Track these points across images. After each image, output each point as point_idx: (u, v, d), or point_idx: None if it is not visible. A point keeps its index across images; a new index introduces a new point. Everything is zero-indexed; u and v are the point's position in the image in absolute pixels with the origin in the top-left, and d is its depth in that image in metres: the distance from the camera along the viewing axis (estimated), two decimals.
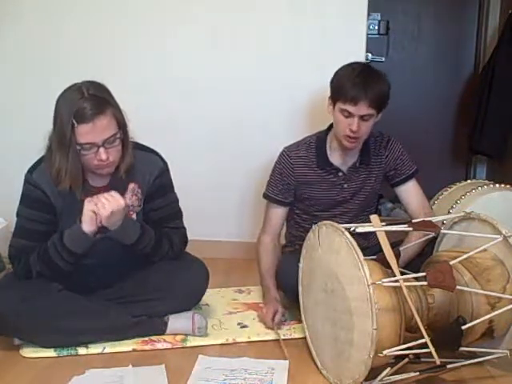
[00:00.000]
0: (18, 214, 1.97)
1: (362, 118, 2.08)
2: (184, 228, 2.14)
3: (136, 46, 2.82)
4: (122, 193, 1.93)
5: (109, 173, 1.91)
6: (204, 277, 2.10)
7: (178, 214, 2.12)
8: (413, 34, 3.87)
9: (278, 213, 2.32)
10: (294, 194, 2.29)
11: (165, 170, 2.06)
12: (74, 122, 1.75)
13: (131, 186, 1.99)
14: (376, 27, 3.71)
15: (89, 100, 1.77)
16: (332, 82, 2.17)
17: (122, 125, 1.86)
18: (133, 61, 2.82)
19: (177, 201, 2.12)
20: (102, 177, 1.95)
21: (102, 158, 1.81)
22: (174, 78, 2.84)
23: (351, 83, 2.07)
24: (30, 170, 1.94)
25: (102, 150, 1.80)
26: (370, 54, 3.09)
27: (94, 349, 1.95)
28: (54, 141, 1.84)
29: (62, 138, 1.79)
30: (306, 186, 2.27)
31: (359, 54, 2.69)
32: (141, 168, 1.99)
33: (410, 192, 2.28)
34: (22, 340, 1.95)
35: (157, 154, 2.07)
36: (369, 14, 2.83)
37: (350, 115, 2.08)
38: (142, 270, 2.05)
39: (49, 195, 1.91)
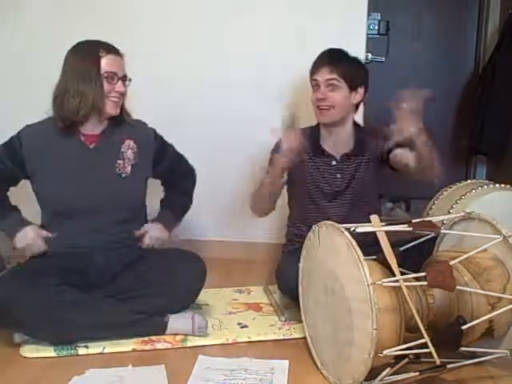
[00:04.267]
0: None
1: (328, 86, 2.19)
2: (192, 166, 2.38)
3: (132, 47, 2.81)
4: (119, 146, 2.11)
5: (116, 113, 2.07)
6: (201, 270, 2.11)
7: (182, 156, 2.34)
8: (413, 34, 3.86)
9: None
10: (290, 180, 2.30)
11: (155, 130, 2.25)
12: (103, 51, 1.99)
13: (127, 141, 2.12)
14: (376, 27, 3.70)
15: (104, 42, 2.04)
16: None
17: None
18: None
19: (173, 147, 2.31)
20: (101, 120, 2.08)
21: (121, 90, 2.04)
22: (171, 76, 2.84)
23: (316, 58, 2.26)
24: (29, 125, 2.09)
25: (120, 82, 2.04)
26: (370, 54, 3.08)
27: (94, 349, 1.95)
28: (71, 81, 1.99)
29: (88, 70, 1.97)
30: (300, 173, 2.28)
31: (359, 54, 2.69)
32: (135, 129, 2.17)
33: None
34: (23, 334, 1.95)
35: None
36: (369, 14, 2.84)
37: (317, 85, 2.22)
38: (140, 265, 2.09)
39: (23, 147, 2.04)
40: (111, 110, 2.05)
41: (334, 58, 2.22)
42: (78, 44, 2.05)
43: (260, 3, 2.80)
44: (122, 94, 2.06)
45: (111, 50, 2.03)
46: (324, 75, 2.20)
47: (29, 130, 2.08)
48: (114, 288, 2.06)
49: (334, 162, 2.27)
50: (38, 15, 2.84)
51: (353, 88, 2.21)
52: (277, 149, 2.25)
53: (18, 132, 2.07)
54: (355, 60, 2.28)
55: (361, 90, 2.24)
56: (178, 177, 2.31)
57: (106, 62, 1.99)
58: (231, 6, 2.81)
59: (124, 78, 2.06)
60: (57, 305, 1.91)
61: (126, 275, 2.08)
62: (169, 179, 2.30)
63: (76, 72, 1.99)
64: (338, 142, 2.28)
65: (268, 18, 2.80)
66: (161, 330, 2.04)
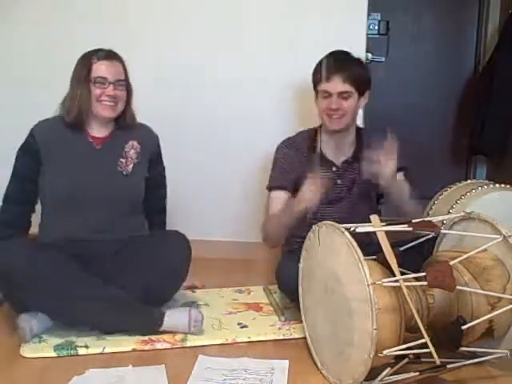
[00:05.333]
0: (15, 158, 2.18)
1: (340, 95, 2.14)
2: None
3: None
4: (123, 146, 2.20)
5: (110, 115, 2.14)
6: (185, 248, 2.15)
7: (166, 186, 2.39)
8: (413, 34, 3.87)
9: (281, 198, 2.27)
10: (294, 184, 2.29)
11: (159, 139, 2.32)
12: (95, 58, 2.10)
13: (131, 142, 2.21)
14: (376, 27, 3.71)
15: (105, 50, 2.15)
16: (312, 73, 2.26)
17: (128, 81, 2.18)
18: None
19: (164, 168, 2.38)
20: (105, 123, 2.17)
21: (111, 94, 2.10)
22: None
23: (325, 64, 2.18)
24: (37, 122, 2.18)
25: (111, 86, 2.10)
26: (370, 54, 3.08)
27: (94, 349, 1.95)
28: (71, 86, 2.13)
29: (80, 74, 2.10)
30: (301, 178, 2.26)
31: (359, 54, 2.68)
32: (140, 132, 2.26)
33: None
34: (24, 306, 1.97)
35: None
36: (369, 14, 2.83)
37: (328, 95, 2.16)
38: (128, 251, 2.14)
39: (37, 140, 2.12)
40: (104, 112, 2.13)
41: (343, 66, 2.15)
42: (85, 52, 2.17)
43: (260, 4, 2.79)
44: (115, 98, 2.11)
45: (106, 56, 2.12)
46: (337, 86, 2.14)
47: (40, 125, 2.17)
48: (110, 275, 2.07)
49: (334, 168, 2.27)
50: (37, 15, 2.84)
51: (361, 93, 2.19)
52: (280, 154, 2.28)
53: (30, 130, 2.15)
54: (361, 62, 2.25)
55: (367, 94, 2.23)
56: (155, 204, 2.33)
57: (95, 68, 2.10)
58: (231, 6, 2.80)
59: (119, 83, 2.12)
60: (58, 277, 1.94)
61: (118, 261, 2.12)
62: (148, 197, 2.28)
63: (74, 77, 2.14)
64: (339, 148, 2.27)
65: (267, 18, 2.79)
66: (157, 321, 2.03)
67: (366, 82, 2.21)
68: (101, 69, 2.10)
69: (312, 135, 2.32)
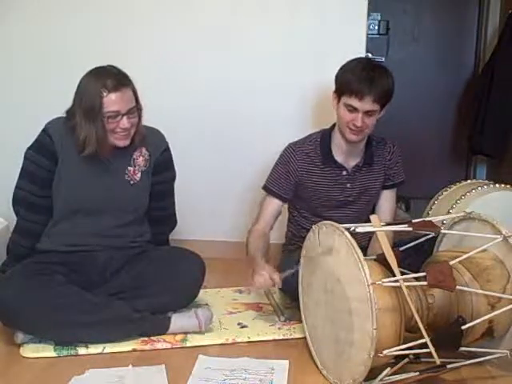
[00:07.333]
0: (25, 157, 2.10)
1: (366, 113, 2.10)
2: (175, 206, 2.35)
3: (137, 47, 2.81)
4: (131, 153, 2.12)
5: (125, 144, 2.05)
6: (200, 268, 2.13)
7: (173, 191, 2.31)
8: (413, 34, 3.87)
9: (274, 206, 2.29)
10: (295, 190, 2.29)
11: (168, 145, 2.24)
12: (104, 92, 1.95)
13: (139, 149, 2.14)
14: (376, 27, 3.71)
15: (114, 75, 2.00)
16: (337, 76, 2.19)
17: (137, 99, 2.06)
18: (132, 61, 2.82)
19: (175, 178, 2.30)
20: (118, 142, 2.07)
21: (126, 126, 2.00)
22: (174, 78, 2.84)
23: (357, 78, 2.09)
24: (50, 121, 2.09)
25: (125, 118, 1.99)
26: (370, 54, 3.08)
27: (94, 349, 1.95)
28: (79, 113, 1.99)
29: (91, 108, 1.96)
30: (308, 183, 2.26)
31: (359, 54, 2.68)
32: (149, 137, 2.17)
33: (388, 198, 2.35)
34: (25, 334, 1.95)
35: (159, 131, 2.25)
36: (369, 14, 2.83)
37: (354, 110, 2.11)
38: (139, 262, 2.11)
39: (54, 141, 2.04)
40: (119, 142, 2.04)
41: (375, 84, 2.07)
42: (91, 72, 2.02)
43: (260, 4, 2.79)
44: (128, 129, 2.02)
45: (115, 86, 1.96)
46: (366, 106, 2.08)
47: (53, 125, 2.07)
48: (114, 286, 2.07)
49: (344, 173, 2.26)
50: (35, 15, 2.83)
51: (383, 107, 2.15)
52: (285, 157, 2.26)
53: (44, 130, 2.06)
54: (387, 74, 2.14)
55: (387, 106, 2.18)
56: (168, 200, 2.29)
57: (107, 102, 1.95)
58: (231, 6, 2.80)
59: (131, 111, 2.01)
60: (62, 305, 1.92)
61: (126, 273, 2.10)
62: (159, 196, 2.24)
63: (82, 106, 1.99)
64: (351, 154, 2.25)
65: (267, 18, 2.79)
66: (164, 327, 2.04)
67: (390, 96, 2.15)
68: (112, 102, 1.95)
69: (325, 140, 2.27)
